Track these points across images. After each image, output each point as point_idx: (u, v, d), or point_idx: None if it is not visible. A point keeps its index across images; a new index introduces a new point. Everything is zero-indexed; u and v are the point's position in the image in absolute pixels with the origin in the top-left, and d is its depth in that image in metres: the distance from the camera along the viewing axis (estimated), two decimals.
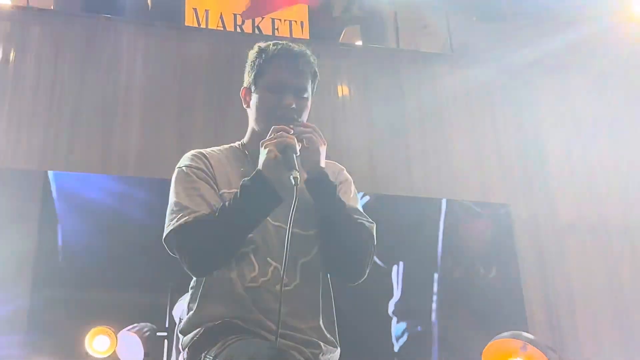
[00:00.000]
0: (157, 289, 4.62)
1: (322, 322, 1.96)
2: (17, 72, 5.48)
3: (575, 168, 6.27)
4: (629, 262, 5.97)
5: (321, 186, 1.92)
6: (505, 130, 6.31)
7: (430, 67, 6.48)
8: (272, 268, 1.92)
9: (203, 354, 1.86)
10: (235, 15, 6.47)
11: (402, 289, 5.45)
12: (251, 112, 2.09)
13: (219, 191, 1.98)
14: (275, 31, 6.53)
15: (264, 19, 6.55)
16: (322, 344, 1.93)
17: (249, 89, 2.09)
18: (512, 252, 5.77)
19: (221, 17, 6.45)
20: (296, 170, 1.80)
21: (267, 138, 1.90)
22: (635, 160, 6.40)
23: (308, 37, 6.65)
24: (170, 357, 3.74)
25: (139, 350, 3.74)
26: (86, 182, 5.28)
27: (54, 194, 5.10)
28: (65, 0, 6.28)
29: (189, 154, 2.07)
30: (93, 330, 4.09)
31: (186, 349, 1.95)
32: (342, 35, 7.58)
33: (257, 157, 1.93)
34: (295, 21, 6.67)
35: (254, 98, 2.06)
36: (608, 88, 6.68)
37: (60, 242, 4.98)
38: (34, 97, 5.42)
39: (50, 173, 5.19)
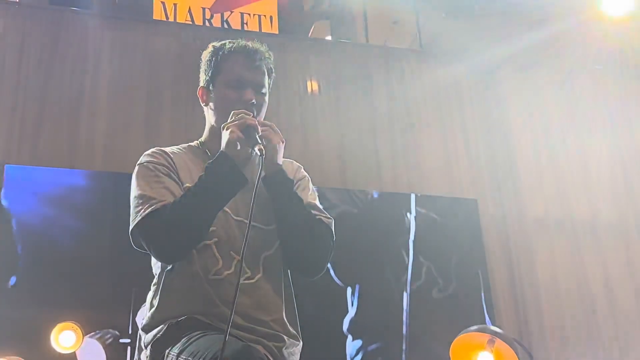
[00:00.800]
0: (119, 294, 4.57)
1: (285, 315, 1.98)
2: None
3: (543, 165, 6.33)
4: (594, 257, 6.04)
5: (278, 183, 1.94)
6: (474, 127, 6.35)
7: (399, 63, 6.48)
8: (235, 261, 1.93)
9: (167, 350, 1.85)
10: (203, 9, 6.42)
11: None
12: (210, 110, 2.11)
13: (182, 185, 1.98)
14: (245, 25, 6.49)
15: (233, 14, 6.51)
16: (285, 337, 1.94)
17: (206, 88, 2.12)
18: (479, 247, 5.79)
19: (189, 11, 6.40)
20: (259, 144, 1.84)
21: (227, 121, 1.93)
22: (601, 156, 6.47)
23: (277, 32, 6.63)
24: None
25: (101, 357, 3.70)
26: (49, 176, 5.15)
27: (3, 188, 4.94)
28: None
29: (149, 152, 2.08)
30: (59, 325, 4.04)
31: (149, 346, 1.93)
32: (311, 31, 7.58)
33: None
34: (265, 15, 6.65)
35: (213, 95, 2.09)
36: (576, 86, 6.75)
37: (18, 244, 4.81)
38: None
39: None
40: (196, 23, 6.35)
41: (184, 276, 1.92)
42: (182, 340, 1.80)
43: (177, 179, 2.00)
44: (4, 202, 4.87)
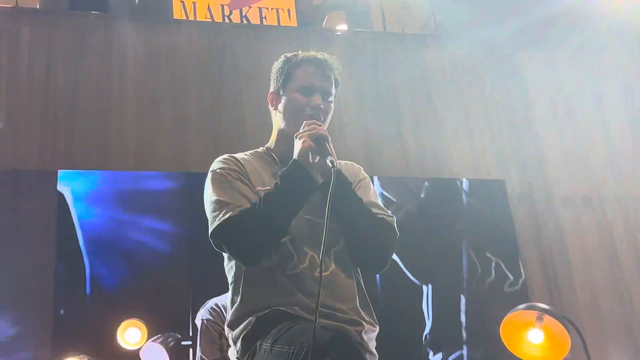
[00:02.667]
0: (178, 297, 4.71)
1: (359, 303, 2.07)
2: (10, 74, 5.45)
3: (565, 140, 6.38)
4: (622, 231, 6.10)
5: (338, 185, 1.97)
6: (496, 107, 6.40)
7: (416, 49, 6.53)
8: (309, 256, 2.04)
9: (258, 343, 1.93)
10: (222, 6, 6.48)
11: None
12: (279, 114, 2.21)
13: (254, 188, 2.08)
14: (264, 20, 6.55)
15: (251, 9, 6.57)
16: (363, 321, 2.02)
17: (276, 93, 2.22)
18: (510, 227, 5.87)
19: (209, 8, 6.46)
20: (331, 155, 1.94)
21: (300, 131, 2.02)
22: (622, 128, 6.52)
23: (296, 24, 6.68)
24: None
25: None
26: (94, 179, 5.26)
27: (67, 195, 5.07)
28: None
29: (219, 158, 2.18)
30: (124, 323, 4.18)
31: (239, 341, 2.01)
32: (324, 22, 7.62)
33: (286, 160, 2.06)
34: (282, 9, 6.70)
35: (283, 100, 2.18)
36: (595, 60, 6.78)
37: (82, 243, 4.95)
38: (29, 99, 5.41)
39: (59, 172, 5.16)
40: (216, 20, 6.40)
41: (263, 272, 2.01)
42: (273, 332, 1.88)
43: (249, 183, 2.09)
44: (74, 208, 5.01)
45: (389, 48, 6.47)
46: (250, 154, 2.23)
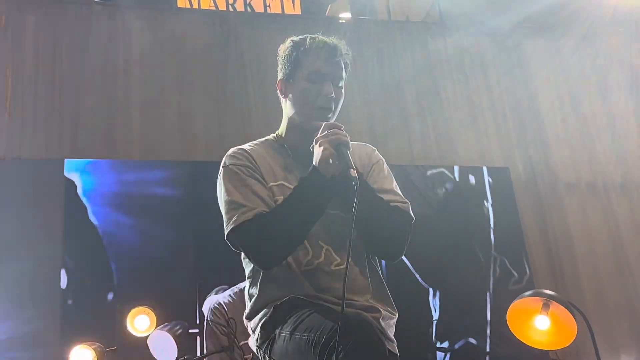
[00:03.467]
0: (185, 286, 4.74)
1: (373, 295, 2.08)
2: (16, 62, 5.46)
3: (570, 127, 6.40)
4: (627, 218, 6.12)
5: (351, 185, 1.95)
6: (500, 96, 6.41)
7: (420, 37, 6.52)
8: (324, 250, 2.05)
9: (277, 330, 1.94)
10: None
11: None
12: (289, 103, 2.18)
13: (267, 185, 2.08)
14: (268, 8, 6.54)
15: None
16: (381, 308, 2.04)
17: (285, 81, 2.18)
18: (514, 215, 5.88)
19: None
20: (353, 168, 1.89)
21: (320, 134, 1.98)
22: (627, 116, 6.53)
23: (300, 12, 6.67)
24: (204, 353, 3.84)
25: (173, 348, 3.80)
26: (102, 169, 5.27)
27: (77, 184, 5.08)
28: None
29: (230, 152, 2.16)
30: (133, 310, 4.21)
31: (257, 329, 2.03)
32: (328, 10, 7.60)
33: (297, 150, 2.09)
34: None
35: (293, 89, 2.15)
36: (599, 48, 6.79)
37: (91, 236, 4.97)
38: (35, 89, 5.42)
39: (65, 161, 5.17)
40: (220, 9, 6.39)
41: (281, 267, 2.02)
42: (292, 319, 1.90)
43: (261, 179, 2.08)
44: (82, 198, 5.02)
45: (393, 36, 6.47)
46: (261, 142, 2.22)
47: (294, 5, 6.68)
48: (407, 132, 6.06)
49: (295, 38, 2.19)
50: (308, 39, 2.15)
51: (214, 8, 6.38)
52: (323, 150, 1.93)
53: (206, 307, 3.85)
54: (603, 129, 6.43)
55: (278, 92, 2.22)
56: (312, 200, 1.96)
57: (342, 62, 2.15)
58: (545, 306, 3.51)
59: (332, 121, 2.07)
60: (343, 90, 2.17)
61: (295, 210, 1.96)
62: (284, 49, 2.20)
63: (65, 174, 5.07)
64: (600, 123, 6.44)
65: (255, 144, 2.21)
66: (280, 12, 6.57)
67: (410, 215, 2.14)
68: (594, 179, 6.22)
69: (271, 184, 2.08)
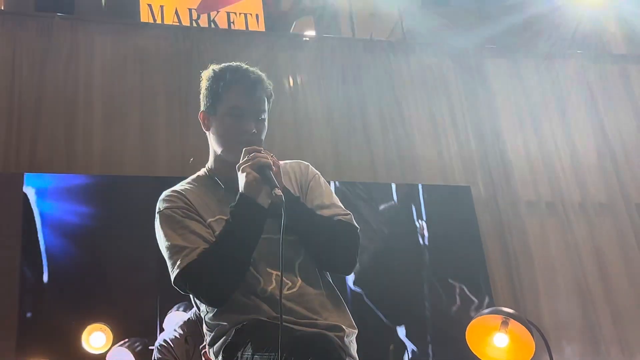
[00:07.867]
0: (145, 301, 4.64)
1: (336, 312, 2.06)
2: None
3: (530, 148, 6.47)
4: (586, 237, 6.20)
5: (287, 205, 1.94)
6: (462, 114, 6.47)
7: (384, 55, 6.56)
8: (274, 276, 2.02)
9: (239, 354, 1.91)
10: (190, 10, 6.46)
11: None
12: (212, 137, 2.18)
13: (205, 221, 2.06)
14: (232, 25, 6.54)
15: (220, 13, 6.56)
16: (344, 326, 2.01)
17: (207, 113, 2.18)
18: (475, 233, 5.91)
19: (176, 12, 6.44)
20: (277, 187, 1.91)
21: (241, 161, 1.99)
22: (586, 136, 6.64)
23: (264, 29, 6.69)
24: None
25: None
26: (60, 182, 5.18)
27: (32, 197, 4.97)
28: (17, 0, 6.17)
29: (163, 196, 2.13)
30: (89, 327, 4.14)
31: (220, 354, 2.00)
32: (292, 28, 7.63)
33: (228, 182, 2.07)
34: (250, 14, 6.71)
35: (215, 123, 2.15)
36: (559, 70, 6.90)
37: (43, 247, 4.84)
38: None
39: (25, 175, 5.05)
40: (183, 24, 6.38)
41: (238, 295, 1.99)
42: (253, 340, 1.87)
43: (198, 217, 2.06)
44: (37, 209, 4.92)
45: (357, 54, 6.50)
46: (193, 180, 2.20)
47: (258, 22, 6.70)
48: (370, 149, 6.08)
49: (216, 68, 2.16)
50: (228, 74, 2.13)
51: (178, 23, 6.37)
52: (246, 176, 1.94)
53: (167, 324, 3.77)
54: (562, 149, 6.51)
55: (201, 123, 2.21)
56: (246, 227, 1.96)
57: (263, 96, 2.14)
58: (504, 324, 3.55)
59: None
60: (266, 122, 2.16)
61: (232, 240, 1.94)
62: (206, 77, 2.18)
63: (25, 187, 4.97)
64: (559, 143, 6.53)
65: (187, 183, 2.19)
66: (245, 29, 6.58)
67: (354, 225, 2.14)
68: (553, 198, 6.29)
69: (209, 220, 2.05)
